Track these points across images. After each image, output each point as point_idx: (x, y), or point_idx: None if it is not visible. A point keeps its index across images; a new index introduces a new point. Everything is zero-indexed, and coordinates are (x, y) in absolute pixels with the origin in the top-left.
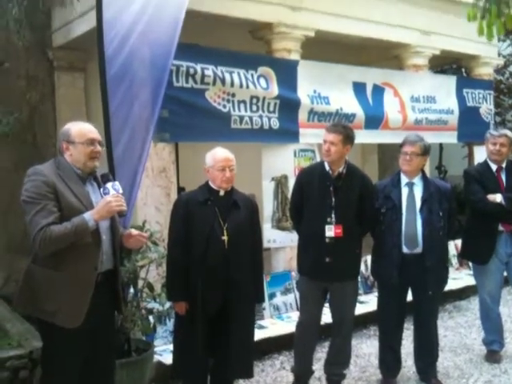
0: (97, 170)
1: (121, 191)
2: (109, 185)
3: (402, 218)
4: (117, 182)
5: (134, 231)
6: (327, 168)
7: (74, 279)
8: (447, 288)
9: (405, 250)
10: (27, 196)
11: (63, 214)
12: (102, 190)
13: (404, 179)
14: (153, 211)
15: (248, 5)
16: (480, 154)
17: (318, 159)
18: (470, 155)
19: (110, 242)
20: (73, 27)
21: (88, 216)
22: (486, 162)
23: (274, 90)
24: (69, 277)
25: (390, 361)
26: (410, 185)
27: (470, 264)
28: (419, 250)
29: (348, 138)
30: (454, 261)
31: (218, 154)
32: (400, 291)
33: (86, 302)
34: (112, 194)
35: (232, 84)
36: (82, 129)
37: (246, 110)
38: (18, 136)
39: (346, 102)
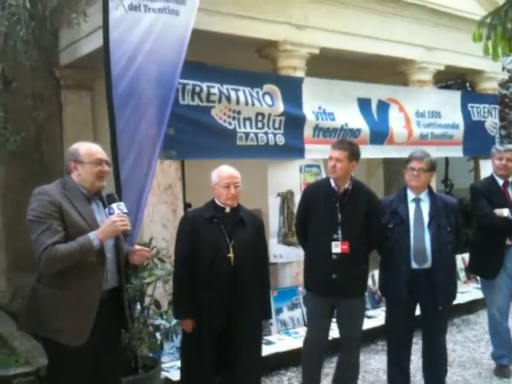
0: (103, 189)
1: (125, 211)
2: (114, 205)
3: (410, 234)
4: (122, 202)
5: (136, 247)
6: (333, 184)
7: (79, 297)
8: (455, 302)
9: (414, 265)
10: (33, 215)
11: (68, 233)
12: (107, 209)
13: (411, 195)
14: (159, 228)
15: (254, 24)
16: (486, 168)
17: (324, 175)
18: (476, 169)
19: (114, 260)
20: (80, 46)
21: (93, 235)
22: (492, 177)
23: (280, 106)
24: (73, 295)
25: (398, 376)
26: (417, 200)
27: (478, 277)
28: (428, 265)
29: (353, 154)
30: (462, 274)
31: (223, 171)
32: (409, 307)
33: (90, 320)
34: (117, 214)
35: (238, 101)
36: (90, 149)
37: (251, 127)
38: (26, 154)
39: (351, 117)
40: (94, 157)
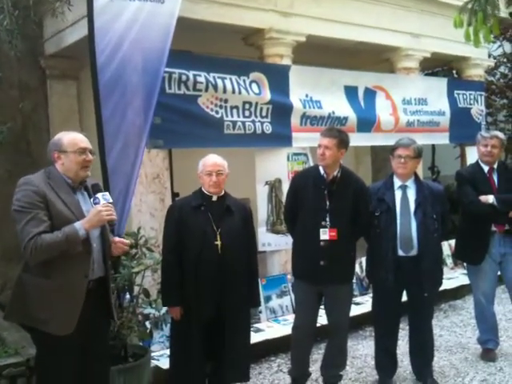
0: (87, 179)
1: (111, 200)
2: (99, 195)
3: (396, 222)
4: (107, 192)
5: (115, 238)
6: (322, 172)
7: (65, 287)
8: (442, 288)
9: (400, 253)
10: (18, 205)
11: (54, 224)
12: (92, 199)
13: (397, 182)
14: (147, 217)
15: (239, 11)
16: (472, 155)
17: (311, 163)
18: (463, 156)
19: (100, 250)
20: (65, 36)
21: (79, 225)
22: (477, 164)
23: (267, 95)
24: (59, 285)
25: (385, 361)
26: (404, 187)
27: (465, 264)
28: (414, 252)
29: (342, 142)
30: (449, 260)
31: (208, 159)
32: (395, 293)
33: (77, 310)
34: (102, 204)
35: (224, 90)
36: (73, 138)
37: (238, 116)
38: (12, 145)
39: (338, 105)
40: (77, 146)
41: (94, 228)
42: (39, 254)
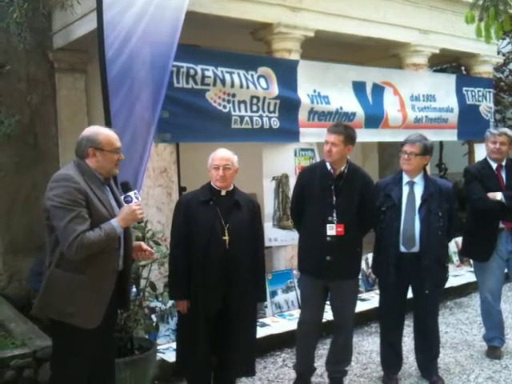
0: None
1: (140, 199)
2: (131, 193)
3: (400, 217)
4: (136, 191)
5: (143, 246)
6: (329, 167)
7: (97, 282)
8: (448, 285)
9: (402, 249)
10: (59, 202)
11: (92, 221)
12: (123, 197)
13: (405, 178)
14: (154, 211)
15: (247, 6)
16: (480, 152)
17: (318, 158)
18: (471, 153)
19: (123, 245)
20: (73, 29)
21: (115, 223)
22: (485, 161)
23: (274, 90)
24: (93, 279)
25: (391, 357)
26: (411, 184)
27: (471, 261)
28: (416, 249)
29: (349, 138)
30: (455, 258)
31: (216, 153)
32: (400, 289)
33: (106, 303)
34: (135, 202)
35: (232, 84)
36: (110, 137)
37: (246, 110)
38: (20, 138)
39: (345, 101)
40: (114, 145)
41: (127, 225)
42: (84, 251)
